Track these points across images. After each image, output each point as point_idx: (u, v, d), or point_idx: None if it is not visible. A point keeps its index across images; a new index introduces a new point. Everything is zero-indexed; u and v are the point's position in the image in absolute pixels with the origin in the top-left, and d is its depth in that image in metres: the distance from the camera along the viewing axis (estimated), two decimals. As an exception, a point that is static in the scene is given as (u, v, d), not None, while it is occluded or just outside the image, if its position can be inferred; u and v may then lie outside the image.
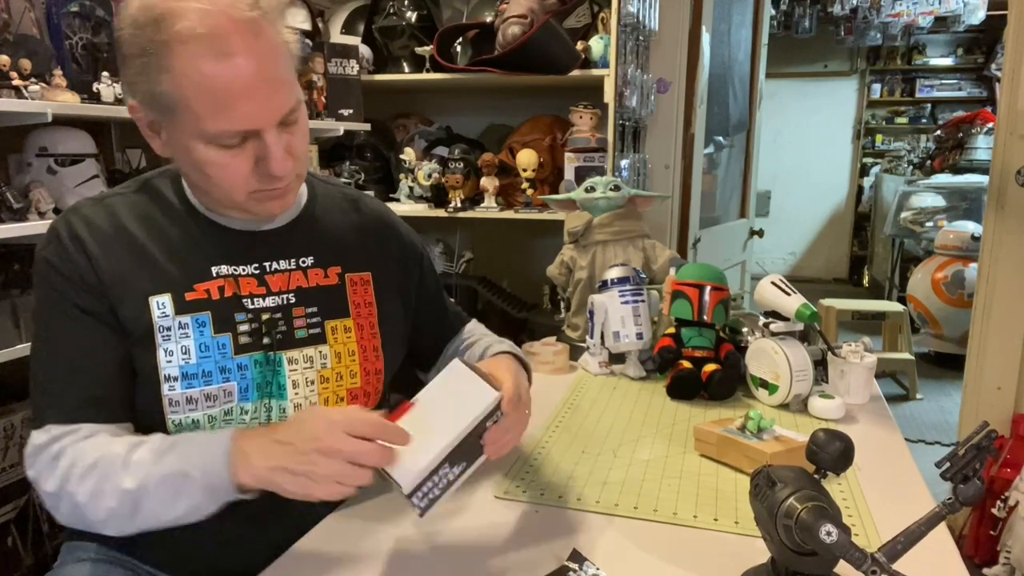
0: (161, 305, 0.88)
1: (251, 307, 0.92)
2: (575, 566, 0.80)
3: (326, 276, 0.99)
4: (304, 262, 0.98)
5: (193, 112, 0.80)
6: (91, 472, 0.81)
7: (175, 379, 0.87)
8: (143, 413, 0.89)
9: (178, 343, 0.88)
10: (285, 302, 0.94)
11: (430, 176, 2.41)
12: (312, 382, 0.95)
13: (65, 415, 0.85)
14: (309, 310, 0.96)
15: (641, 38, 2.42)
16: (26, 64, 1.48)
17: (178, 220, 0.93)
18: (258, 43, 0.80)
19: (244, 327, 0.91)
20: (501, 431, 0.82)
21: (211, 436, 0.82)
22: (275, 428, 0.81)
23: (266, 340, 0.92)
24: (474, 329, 1.22)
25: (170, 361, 0.87)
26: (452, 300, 1.26)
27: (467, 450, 0.82)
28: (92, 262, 0.87)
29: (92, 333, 0.87)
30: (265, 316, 0.92)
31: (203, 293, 0.90)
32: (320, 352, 0.96)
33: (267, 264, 0.95)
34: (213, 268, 0.92)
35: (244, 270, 0.93)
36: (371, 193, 1.26)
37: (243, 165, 0.84)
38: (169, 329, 0.88)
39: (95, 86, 1.66)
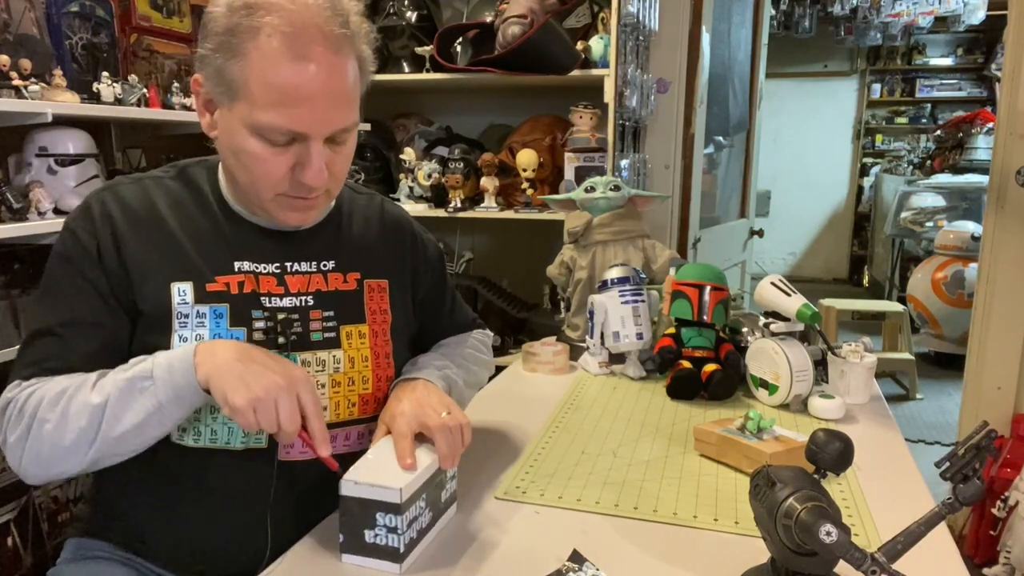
0: (182, 292, 0.89)
1: (268, 306, 0.93)
2: (575, 566, 0.80)
3: (345, 281, 0.99)
4: (326, 265, 0.99)
5: (252, 100, 0.82)
6: (60, 398, 0.82)
7: None
8: None
9: (193, 331, 0.89)
10: (303, 304, 0.95)
11: (430, 176, 2.41)
12: (324, 385, 0.95)
13: (37, 374, 0.86)
14: (326, 313, 0.96)
15: (641, 38, 2.42)
16: (26, 64, 1.49)
17: (208, 211, 0.95)
18: (336, 59, 0.83)
19: (259, 324, 0.92)
20: (443, 455, 0.85)
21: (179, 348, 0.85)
22: (258, 348, 0.85)
23: (281, 340, 0.92)
24: (458, 341, 1.19)
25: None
26: (467, 308, 1.26)
27: (435, 496, 0.85)
28: (118, 242, 0.89)
29: (92, 307, 0.88)
30: (281, 316, 0.93)
31: (223, 286, 0.91)
32: (334, 356, 0.96)
33: (288, 264, 0.96)
34: (236, 263, 0.93)
35: (265, 268, 0.94)
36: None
37: (280, 166, 0.86)
38: (187, 316, 0.89)
39: (95, 86, 1.66)
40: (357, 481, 0.79)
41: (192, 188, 0.96)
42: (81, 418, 0.80)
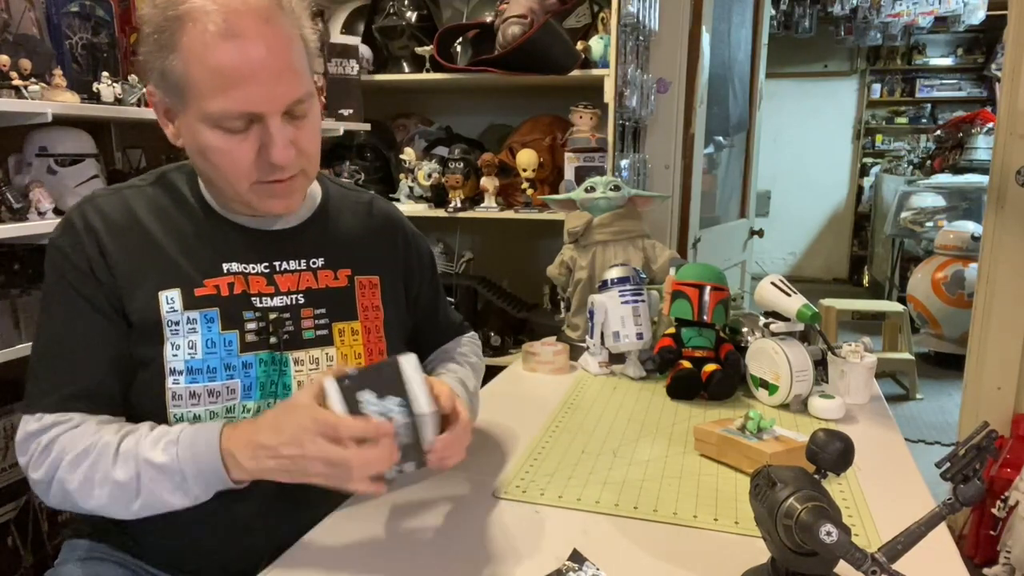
0: (170, 300, 0.88)
1: (259, 306, 0.92)
2: (575, 566, 0.80)
3: (336, 278, 0.99)
4: (315, 263, 0.98)
5: (198, 91, 0.81)
6: (81, 460, 0.81)
7: (179, 373, 0.88)
8: (146, 405, 0.89)
9: (185, 338, 0.88)
10: (294, 302, 0.95)
11: (430, 176, 2.41)
12: None
13: (57, 405, 0.85)
14: (317, 311, 0.96)
15: (641, 38, 2.42)
16: (26, 64, 1.48)
17: (191, 215, 0.94)
18: (269, 28, 0.81)
19: (251, 325, 0.91)
20: (448, 443, 0.81)
21: (197, 434, 0.81)
22: (257, 427, 0.80)
23: (273, 340, 0.92)
24: (456, 348, 1.20)
25: (176, 355, 0.88)
26: (453, 309, 1.26)
27: (408, 449, 0.81)
28: (103, 254, 0.88)
29: (93, 325, 0.87)
30: (272, 315, 0.93)
31: (212, 289, 0.90)
32: (327, 354, 0.96)
33: (277, 264, 0.95)
34: (224, 264, 0.92)
35: (254, 268, 0.94)
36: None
37: (246, 153, 0.85)
38: (177, 323, 0.88)
39: (95, 86, 1.66)
40: (414, 365, 0.80)
41: (173, 193, 0.95)
42: (104, 489, 0.81)
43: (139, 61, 0.86)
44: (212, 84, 0.81)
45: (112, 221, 0.90)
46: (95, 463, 0.81)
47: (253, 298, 0.92)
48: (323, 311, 0.96)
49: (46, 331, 0.89)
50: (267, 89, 0.82)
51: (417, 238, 1.14)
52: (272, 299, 0.93)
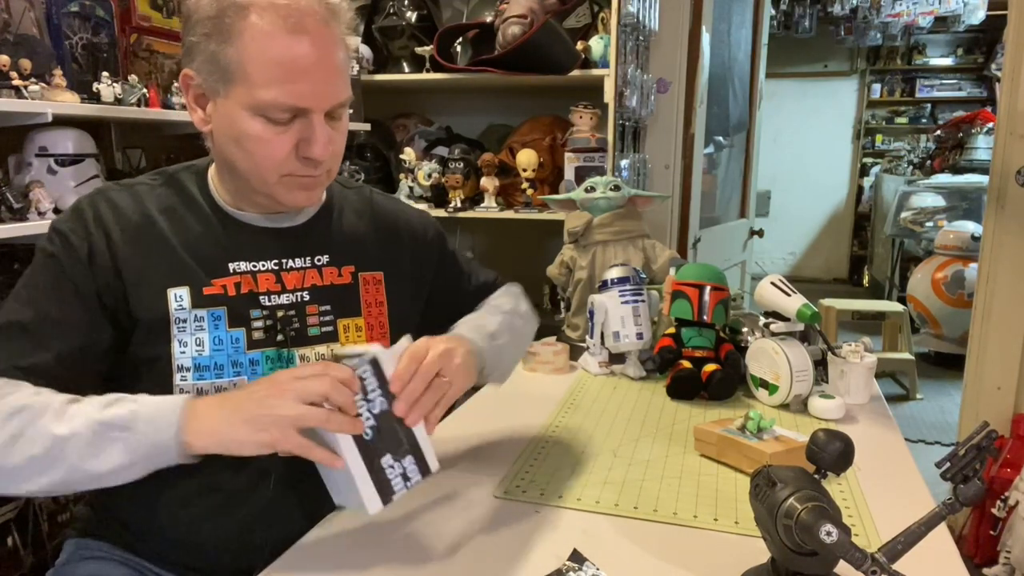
0: (178, 297, 0.89)
1: (267, 304, 0.93)
2: (575, 566, 0.80)
3: (340, 275, 1.00)
4: (319, 260, 0.99)
5: (251, 80, 0.83)
6: (17, 415, 0.76)
7: (187, 370, 0.88)
8: None
9: (193, 335, 0.89)
10: (299, 299, 0.96)
11: (430, 176, 2.41)
12: None
13: (7, 372, 0.81)
14: (322, 308, 0.97)
15: (641, 38, 2.42)
16: (26, 64, 1.48)
17: (200, 214, 0.94)
18: (327, 31, 0.85)
19: (258, 323, 0.92)
20: (409, 399, 0.80)
21: (163, 397, 0.79)
22: (228, 391, 0.81)
23: (280, 337, 0.93)
24: (485, 304, 1.17)
25: (183, 352, 0.88)
26: (484, 268, 1.24)
27: (394, 431, 0.80)
28: (110, 246, 0.88)
29: (71, 309, 0.86)
30: (280, 313, 0.94)
31: (220, 288, 0.91)
32: (331, 350, 0.96)
33: (284, 261, 0.96)
34: (231, 264, 0.93)
35: (263, 266, 0.95)
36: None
37: (284, 144, 0.86)
38: (185, 321, 0.89)
39: (95, 86, 1.66)
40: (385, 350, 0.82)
41: (182, 193, 0.95)
42: (35, 444, 0.75)
43: (188, 42, 0.87)
44: (269, 74, 0.82)
45: (123, 215, 0.90)
46: (33, 419, 0.76)
47: (261, 296, 0.93)
48: (328, 308, 0.97)
49: (19, 301, 0.86)
50: (319, 87, 0.85)
51: (424, 225, 1.14)
52: (279, 297, 0.94)
